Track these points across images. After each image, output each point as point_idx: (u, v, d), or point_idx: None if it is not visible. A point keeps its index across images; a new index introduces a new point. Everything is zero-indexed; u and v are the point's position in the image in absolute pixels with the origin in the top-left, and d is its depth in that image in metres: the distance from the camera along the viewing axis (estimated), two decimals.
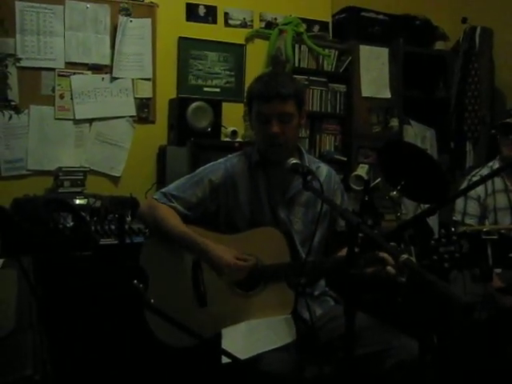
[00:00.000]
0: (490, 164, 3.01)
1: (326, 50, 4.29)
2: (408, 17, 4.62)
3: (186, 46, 4.04)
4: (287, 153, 2.02)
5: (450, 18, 4.73)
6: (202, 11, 4.12)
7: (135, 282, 1.43)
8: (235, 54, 4.19)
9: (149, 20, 3.90)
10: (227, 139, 3.80)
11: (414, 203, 3.55)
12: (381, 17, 4.49)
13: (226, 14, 4.19)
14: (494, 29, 4.50)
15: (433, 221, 3.95)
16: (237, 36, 4.21)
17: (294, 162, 1.87)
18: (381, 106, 4.37)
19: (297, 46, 4.19)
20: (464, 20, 4.46)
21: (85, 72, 3.74)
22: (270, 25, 4.30)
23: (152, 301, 1.56)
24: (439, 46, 4.75)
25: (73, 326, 2.68)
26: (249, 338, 1.93)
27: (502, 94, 4.61)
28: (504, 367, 2.52)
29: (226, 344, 1.91)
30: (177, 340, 1.95)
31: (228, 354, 1.69)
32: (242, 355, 1.80)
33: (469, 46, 4.45)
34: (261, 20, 4.31)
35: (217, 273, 2.01)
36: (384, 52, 4.41)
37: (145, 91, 3.89)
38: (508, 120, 2.86)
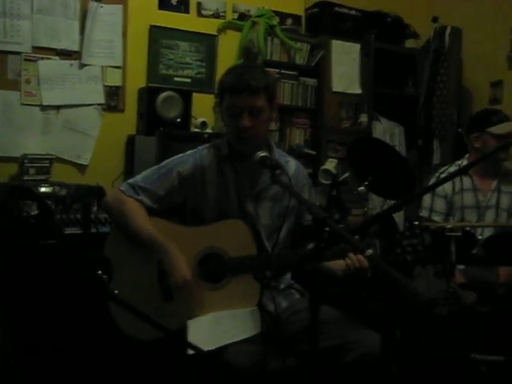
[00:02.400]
0: (459, 162, 3.05)
1: (298, 44, 4.30)
2: (380, 14, 4.65)
3: (158, 34, 4.00)
4: (257, 146, 2.02)
5: (420, 16, 4.79)
6: (174, 0, 4.08)
7: (99, 272, 1.41)
8: (207, 44, 4.16)
9: (120, 7, 3.85)
10: (197, 130, 3.77)
11: (381, 198, 3.60)
12: (353, 12, 4.51)
13: (198, 3, 4.15)
14: (464, 29, 4.57)
15: (399, 216, 4.00)
16: (209, 26, 4.18)
17: (263, 155, 1.87)
18: (351, 101, 4.40)
19: (269, 38, 4.19)
20: (435, 19, 4.51)
21: (53, 57, 3.67)
22: (242, 16, 4.28)
23: (116, 292, 1.55)
24: (410, 43, 4.80)
25: (36, 316, 2.64)
26: (214, 329, 1.93)
27: (469, 94, 4.70)
28: (464, 362, 2.58)
29: (191, 336, 1.90)
30: (141, 332, 1.93)
31: (192, 346, 1.69)
32: (207, 347, 1.81)
33: (438, 45, 4.51)
34: (234, 11, 4.28)
35: (168, 279, 2.00)
36: (355, 48, 4.44)
37: (114, 79, 3.84)
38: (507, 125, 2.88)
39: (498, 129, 2.84)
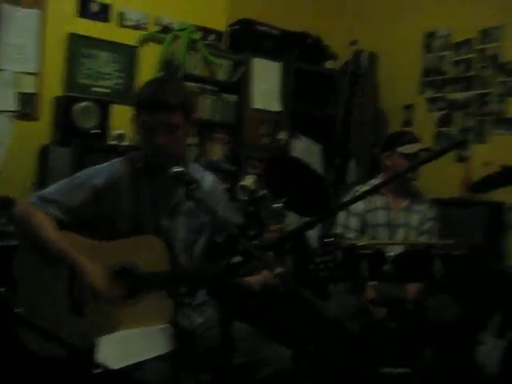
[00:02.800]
0: (372, 181, 3.15)
1: (220, 60, 4.32)
2: (301, 34, 4.77)
3: (77, 42, 3.90)
4: (172, 161, 1.99)
5: (340, 39, 4.95)
6: (95, 8, 4.00)
7: (2, 289, 1.34)
8: (127, 55, 4.10)
9: (37, 12, 3.72)
10: (114, 142, 3.69)
11: (298, 216, 3.66)
12: (275, 32, 4.60)
13: (120, 13, 4.09)
14: (380, 54, 4.76)
15: (315, 233, 4.08)
16: (130, 37, 4.13)
17: (178, 170, 1.85)
18: (271, 118, 4.47)
19: (191, 53, 4.19)
20: (353, 42, 4.68)
21: None
22: (165, 29, 4.25)
23: (20, 310, 1.48)
24: (329, 64, 4.94)
25: None
26: (124, 347, 1.88)
27: (384, 116, 4.89)
28: (374, 376, 2.64)
29: (100, 354, 1.84)
30: (49, 350, 1.85)
31: (100, 366, 1.63)
32: (117, 365, 1.76)
33: (356, 68, 4.68)
34: (156, 24, 4.25)
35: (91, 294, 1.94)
36: (276, 66, 4.52)
37: (28, 86, 3.70)
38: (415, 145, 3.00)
39: (407, 148, 2.97)
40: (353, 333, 2.61)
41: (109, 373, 1.64)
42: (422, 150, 2.98)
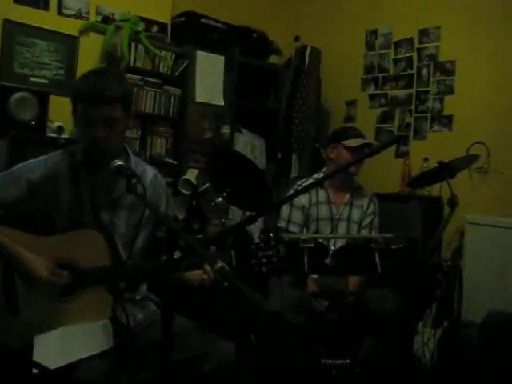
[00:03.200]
0: (315, 176, 3.19)
1: (163, 52, 4.27)
2: (246, 29, 4.77)
3: (12, 30, 3.77)
4: (112, 155, 1.96)
5: (284, 34, 4.98)
6: None
7: None
8: (67, 45, 3.99)
9: None
10: (53, 135, 3.59)
11: (241, 210, 3.67)
12: (219, 25, 4.59)
13: (59, 1, 3.98)
14: (323, 50, 4.82)
15: (258, 227, 4.10)
16: (70, 27, 4.02)
17: (119, 164, 1.81)
18: (214, 112, 4.46)
19: (133, 44, 4.12)
20: (297, 38, 4.72)
21: None
22: (106, 19, 4.17)
23: None
24: (273, 59, 4.97)
25: None
26: (62, 345, 1.84)
27: (327, 111, 4.96)
28: (315, 367, 2.68)
29: (37, 353, 1.79)
30: None
31: (37, 365, 1.59)
32: (55, 364, 1.72)
33: (299, 63, 4.72)
34: (97, 13, 4.16)
35: (28, 285, 1.88)
36: (220, 60, 4.50)
37: None
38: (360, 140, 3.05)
39: (351, 142, 3.03)
40: (295, 325, 2.64)
41: (47, 372, 1.60)
42: (365, 144, 3.04)
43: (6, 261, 1.90)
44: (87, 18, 4.11)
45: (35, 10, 3.87)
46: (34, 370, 1.69)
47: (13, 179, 1.99)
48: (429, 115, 4.31)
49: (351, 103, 4.79)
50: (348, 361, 2.58)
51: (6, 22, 3.74)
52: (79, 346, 1.83)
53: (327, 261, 2.74)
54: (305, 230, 3.10)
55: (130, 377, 1.90)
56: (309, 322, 2.78)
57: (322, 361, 2.58)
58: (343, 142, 3.05)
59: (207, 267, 1.88)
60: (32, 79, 3.86)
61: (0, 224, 1.94)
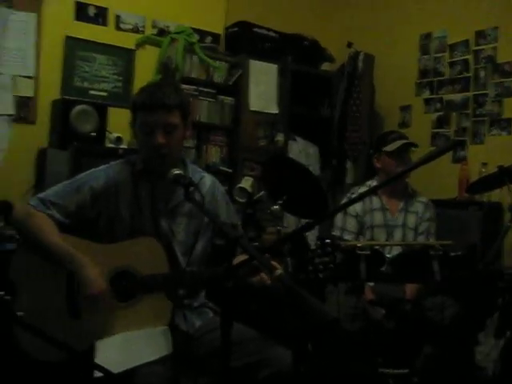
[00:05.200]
0: (369, 183, 3.16)
1: (217, 62, 4.33)
2: (298, 36, 4.78)
3: (74, 46, 3.91)
4: (171, 163, 2.00)
5: (336, 41, 4.96)
6: (92, 11, 4.01)
7: (1, 293, 1.34)
8: (124, 58, 4.11)
9: (34, 15, 3.73)
10: (112, 145, 3.70)
11: (296, 217, 3.66)
12: (272, 34, 4.61)
13: (117, 16, 4.10)
14: (376, 55, 4.78)
15: (313, 235, 4.09)
16: (127, 40, 4.14)
17: (177, 172, 1.85)
18: (268, 120, 4.48)
19: (188, 55, 4.20)
20: (349, 44, 4.69)
21: None
22: (162, 32, 4.27)
23: (20, 314, 1.48)
24: (325, 66, 4.96)
25: None
26: (124, 350, 1.88)
27: (381, 117, 4.91)
28: (373, 376, 2.65)
29: (99, 357, 1.84)
30: (48, 354, 1.85)
31: (101, 368, 1.63)
32: (116, 369, 1.76)
33: (352, 70, 4.69)
34: (153, 26, 4.27)
35: (83, 292, 1.94)
36: (273, 68, 4.53)
37: (26, 89, 3.71)
38: (398, 142, 3.02)
39: (391, 146, 2.99)
40: (351, 333, 2.62)
41: (109, 376, 1.64)
42: (406, 144, 2.99)
43: (66, 267, 1.96)
44: (143, 32, 4.22)
45: (95, 26, 4.01)
46: (97, 374, 1.73)
47: (76, 188, 2.06)
48: (487, 119, 4.20)
49: (405, 108, 4.72)
50: (406, 370, 2.54)
51: (68, 38, 3.88)
52: (140, 352, 1.87)
53: (384, 268, 2.71)
54: (360, 237, 3.07)
55: (190, 383, 1.93)
56: (365, 330, 2.75)
57: (380, 370, 2.54)
58: (384, 149, 3.02)
59: (263, 274, 1.89)
60: (92, 92, 3.99)
61: (64, 232, 2.02)
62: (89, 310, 1.95)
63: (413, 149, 3.04)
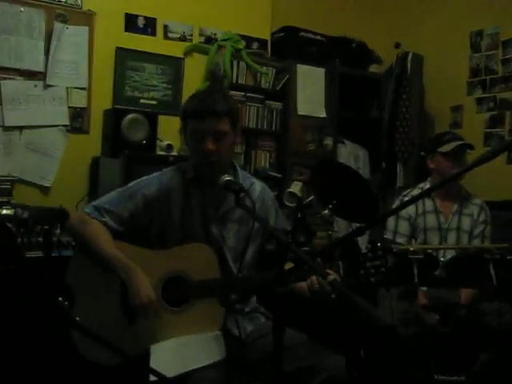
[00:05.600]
0: (421, 185, 3.12)
1: (264, 68, 4.35)
2: (345, 39, 4.75)
3: (124, 56, 4.00)
4: (221, 170, 2.02)
5: (384, 42, 4.90)
6: (141, 22, 4.10)
7: (60, 299, 1.38)
8: (173, 67, 4.17)
9: (86, 28, 3.84)
10: (162, 153, 3.76)
11: (346, 221, 3.64)
12: (318, 38, 4.60)
13: (165, 26, 4.18)
14: (425, 55, 4.70)
15: (364, 239, 4.04)
16: (175, 49, 4.20)
17: (227, 179, 1.87)
18: (316, 124, 4.46)
19: (235, 62, 4.23)
20: (397, 45, 4.63)
21: (16, 78, 3.63)
22: (209, 40, 4.32)
23: (77, 318, 1.52)
24: (373, 68, 4.90)
25: None
26: (177, 355, 1.91)
27: (431, 118, 4.81)
28: (427, 383, 2.60)
29: (153, 361, 1.88)
30: (104, 358, 1.90)
31: (155, 373, 1.66)
32: (170, 373, 1.78)
33: (401, 71, 4.62)
34: (200, 35, 4.32)
35: (131, 300, 1.98)
36: (320, 72, 4.51)
37: (79, 100, 3.82)
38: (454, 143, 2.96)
39: (446, 147, 2.93)
40: (405, 339, 2.58)
41: (163, 380, 1.66)
42: (462, 145, 2.93)
43: (117, 273, 2.00)
44: (191, 40, 4.27)
45: (144, 36, 4.09)
46: (152, 378, 1.76)
47: (129, 195, 2.10)
48: None
49: (457, 108, 4.61)
50: (462, 377, 2.48)
51: (118, 49, 3.97)
52: (193, 357, 1.89)
53: (438, 272, 2.65)
54: (412, 241, 3.02)
55: None
56: (419, 336, 2.70)
57: (435, 376, 2.49)
58: (439, 150, 2.96)
59: (315, 279, 1.88)
60: (142, 101, 4.07)
61: (117, 238, 2.06)
62: (142, 316, 1.98)
63: (468, 151, 2.97)
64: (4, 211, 3.08)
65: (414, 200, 2.69)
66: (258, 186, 2.22)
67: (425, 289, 2.85)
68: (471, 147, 2.98)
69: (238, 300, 2.07)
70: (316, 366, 1.91)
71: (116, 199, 2.11)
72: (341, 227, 3.93)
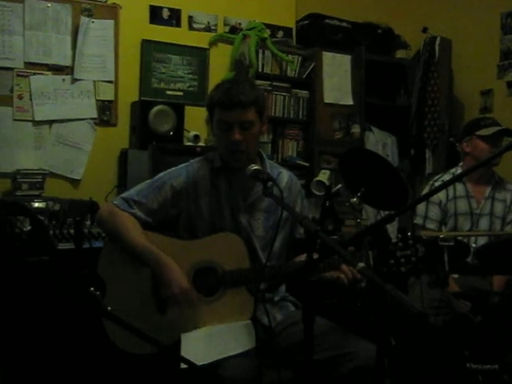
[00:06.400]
0: (452, 170, 3.08)
1: (290, 56, 4.32)
2: (370, 25, 4.69)
3: (149, 48, 4.02)
4: (248, 159, 2.03)
5: (411, 27, 4.82)
6: (165, 14, 4.11)
7: (92, 289, 1.41)
8: (199, 57, 4.18)
9: (111, 21, 3.86)
10: (189, 143, 3.78)
11: (375, 209, 3.60)
12: (344, 24, 4.55)
13: (190, 17, 4.18)
14: (453, 39, 4.61)
15: (393, 226, 4.01)
16: (201, 40, 4.20)
17: (255, 168, 1.87)
18: (343, 112, 4.42)
19: (260, 51, 4.21)
20: (424, 30, 4.55)
21: (45, 72, 3.68)
22: (234, 29, 4.31)
23: (109, 308, 1.54)
24: (400, 54, 4.84)
25: (28, 333, 2.62)
26: (208, 343, 1.93)
27: (460, 103, 4.73)
28: (460, 372, 2.57)
29: (184, 350, 1.90)
30: (136, 347, 1.93)
31: (186, 361, 1.68)
32: (201, 361, 1.80)
33: (429, 56, 4.54)
34: (225, 24, 4.31)
35: (163, 291, 1.99)
36: (346, 59, 4.47)
37: (106, 93, 3.85)
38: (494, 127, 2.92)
39: (486, 131, 2.89)
40: (436, 327, 2.55)
41: (194, 368, 1.68)
42: (502, 131, 2.88)
43: (149, 264, 2.02)
44: (216, 30, 4.27)
45: (169, 27, 4.10)
46: (183, 366, 1.78)
47: (158, 187, 2.12)
48: None
49: (487, 93, 4.52)
50: (496, 366, 2.44)
51: (144, 41, 3.99)
52: (224, 345, 1.90)
53: (469, 259, 2.62)
54: (443, 227, 2.99)
55: (273, 375, 1.94)
56: (451, 324, 2.67)
57: (468, 365, 2.46)
58: (477, 133, 2.92)
59: (345, 267, 1.87)
60: (168, 92, 4.09)
61: (146, 229, 2.08)
62: (174, 305, 2.00)
63: (505, 138, 2.92)
64: (36, 204, 3.14)
65: (445, 185, 2.66)
66: (285, 175, 2.22)
67: (456, 276, 2.81)
68: (511, 133, 2.92)
69: (267, 289, 2.08)
70: (346, 354, 1.91)
71: (144, 191, 2.12)
72: (370, 215, 3.90)
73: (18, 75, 3.60)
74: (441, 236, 2.32)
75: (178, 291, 1.95)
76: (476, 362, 2.43)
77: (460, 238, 2.72)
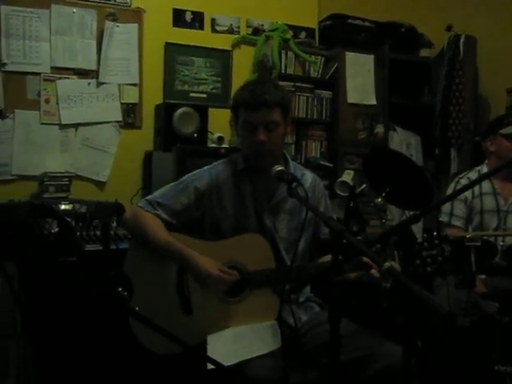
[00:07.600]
0: (478, 168, 3.06)
1: (313, 57, 4.31)
2: (393, 24, 4.65)
3: (173, 51, 4.05)
4: (273, 160, 2.03)
5: (434, 25, 4.78)
6: (188, 17, 4.13)
7: (119, 290, 1.42)
8: (222, 59, 4.20)
9: (135, 25, 3.90)
10: (213, 145, 3.79)
11: (400, 209, 3.58)
12: (367, 24, 4.52)
13: (212, 20, 4.20)
14: (478, 37, 4.55)
15: (417, 226, 3.98)
16: (223, 42, 4.22)
17: (280, 169, 1.88)
18: (366, 112, 4.40)
19: (283, 52, 4.21)
20: (448, 28, 4.50)
21: (71, 77, 3.73)
22: (256, 31, 4.31)
23: (137, 308, 1.56)
24: (424, 53, 4.78)
25: (58, 334, 2.66)
26: (234, 344, 1.94)
27: (486, 102, 4.66)
28: (488, 374, 2.54)
29: (211, 350, 1.91)
30: (162, 347, 1.95)
31: (213, 361, 1.69)
32: (227, 362, 1.81)
33: (453, 54, 4.49)
34: (247, 26, 4.32)
35: (200, 283, 2.01)
36: (370, 59, 4.44)
37: (131, 96, 3.89)
38: None
39: (508, 129, 2.86)
40: (463, 328, 2.52)
41: (221, 368, 1.69)
42: None
43: (178, 262, 2.04)
44: (238, 32, 4.28)
45: (192, 30, 4.12)
46: (209, 366, 1.79)
47: (182, 189, 2.14)
48: None
49: None
50: None
51: (168, 44, 4.02)
52: (250, 346, 1.91)
53: (497, 259, 2.59)
54: (468, 225, 2.95)
55: (299, 376, 1.94)
56: (478, 325, 2.64)
57: (496, 367, 2.43)
58: (501, 132, 2.89)
59: (374, 267, 1.87)
60: (192, 95, 4.11)
61: (170, 231, 2.10)
62: (199, 305, 2.02)
63: None
64: (63, 206, 3.18)
65: (471, 185, 2.63)
66: (309, 176, 2.22)
67: (483, 277, 2.78)
68: None
69: (292, 290, 2.08)
70: (373, 355, 1.90)
71: (168, 193, 2.15)
72: (395, 215, 3.88)
73: (44, 80, 3.65)
74: (467, 236, 2.30)
75: (209, 273, 1.96)
76: (504, 364, 2.40)
77: (486, 237, 2.68)
